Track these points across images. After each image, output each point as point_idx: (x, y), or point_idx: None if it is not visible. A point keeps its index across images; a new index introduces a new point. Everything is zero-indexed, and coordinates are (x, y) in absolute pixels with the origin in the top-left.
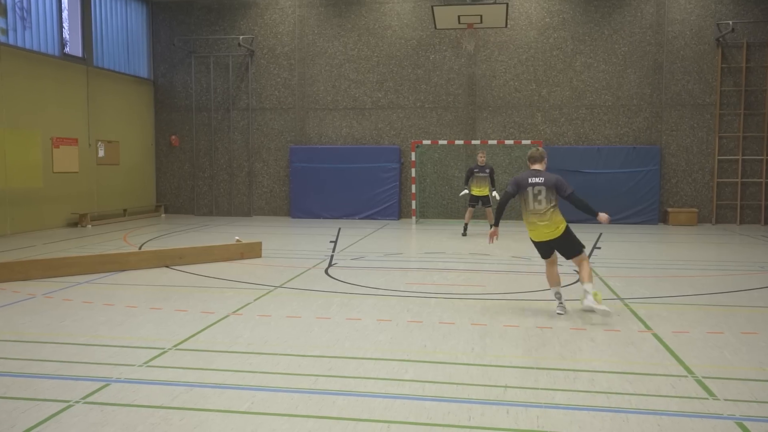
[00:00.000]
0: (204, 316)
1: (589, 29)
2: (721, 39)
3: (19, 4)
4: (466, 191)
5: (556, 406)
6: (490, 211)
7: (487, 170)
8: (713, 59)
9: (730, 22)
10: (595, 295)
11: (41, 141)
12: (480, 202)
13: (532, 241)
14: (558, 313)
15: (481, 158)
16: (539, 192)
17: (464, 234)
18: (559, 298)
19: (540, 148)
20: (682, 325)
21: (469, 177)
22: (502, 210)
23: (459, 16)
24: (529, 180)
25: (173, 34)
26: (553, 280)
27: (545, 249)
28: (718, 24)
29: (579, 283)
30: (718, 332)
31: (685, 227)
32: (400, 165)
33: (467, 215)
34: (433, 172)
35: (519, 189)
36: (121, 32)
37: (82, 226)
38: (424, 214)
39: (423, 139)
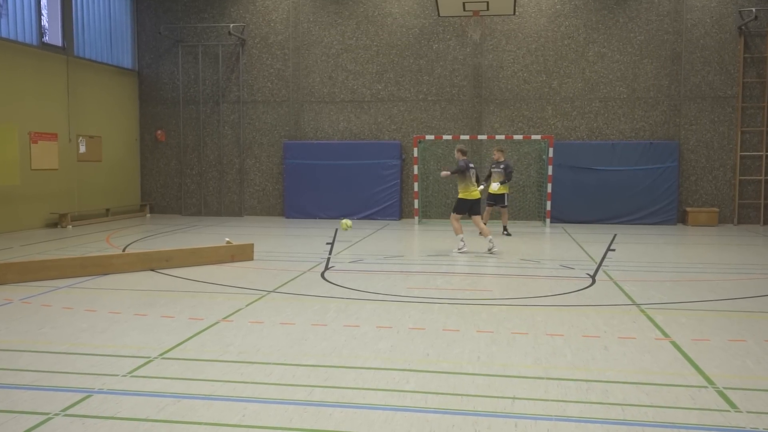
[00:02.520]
0: (192, 322)
1: (603, 17)
2: (743, 27)
3: None
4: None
5: (568, 419)
6: (505, 212)
7: (502, 166)
8: (735, 49)
9: (753, 10)
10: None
11: (18, 136)
12: (495, 202)
13: (464, 200)
14: (460, 249)
15: (496, 155)
16: (473, 173)
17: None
18: (463, 240)
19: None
20: (702, 332)
21: (489, 175)
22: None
23: (464, 3)
24: (469, 165)
25: (159, 21)
26: (460, 230)
27: (468, 206)
28: (740, 11)
29: (482, 235)
30: (740, 340)
31: (705, 228)
32: (401, 162)
33: (486, 215)
34: (437, 169)
35: (466, 171)
36: (103, 20)
37: (62, 227)
38: (426, 214)
39: (426, 134)
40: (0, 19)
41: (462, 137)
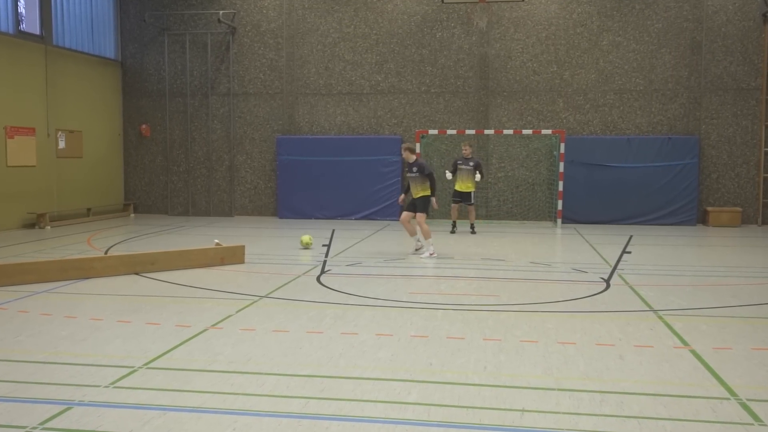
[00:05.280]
0: (179, 330)
1: (618, 3)
2: None
3: None
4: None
5: None
6: (472, 209)
7: (472, 163)
8: (759, 37)
9: None
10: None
11: None
12: (461, 199)
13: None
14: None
15: (466, 150)
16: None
17: (453, 231)
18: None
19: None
20: (724, 340)
21: (455, 170)
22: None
23: None
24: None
25: (144, 8)
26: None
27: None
28: None
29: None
30: (764, 348)
31: (728, 228)
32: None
33: (453, 213)
34: (441, 166)
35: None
36: (84, 7)
37: (40, 228)
38: (429, 214)
39: (429, 128)
40: None
41: (467, 132)
